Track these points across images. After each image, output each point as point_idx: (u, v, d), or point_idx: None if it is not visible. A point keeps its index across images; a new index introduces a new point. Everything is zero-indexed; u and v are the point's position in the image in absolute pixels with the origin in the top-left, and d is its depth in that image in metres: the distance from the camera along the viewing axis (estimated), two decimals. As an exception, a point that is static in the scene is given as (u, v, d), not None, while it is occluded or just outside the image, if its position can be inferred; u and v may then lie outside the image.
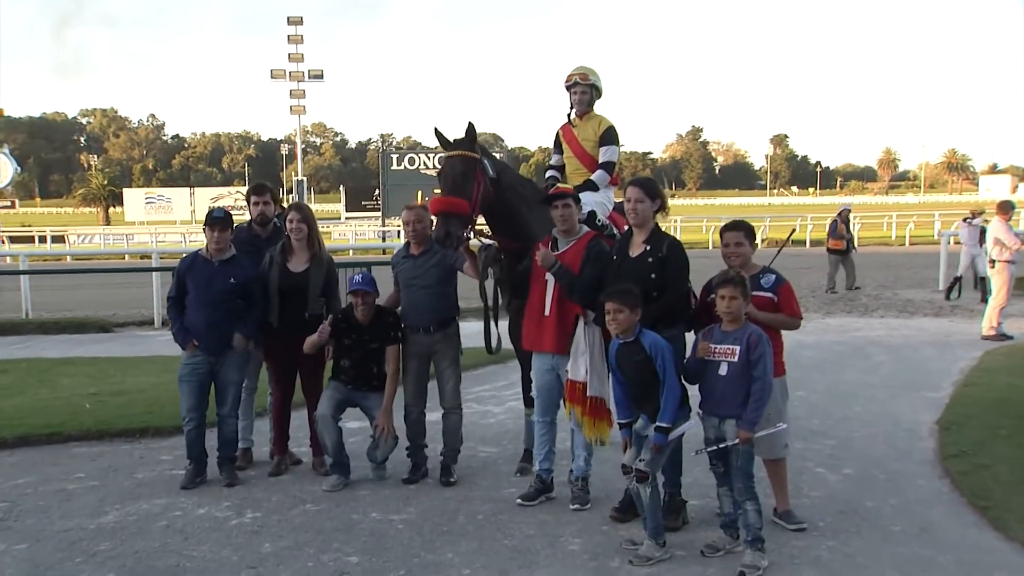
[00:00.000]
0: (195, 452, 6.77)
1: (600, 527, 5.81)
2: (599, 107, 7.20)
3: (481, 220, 6.59)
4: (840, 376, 10.60)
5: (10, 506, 6.36)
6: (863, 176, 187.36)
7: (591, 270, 5.93)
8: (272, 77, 40.46)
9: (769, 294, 5.70)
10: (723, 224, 6.10)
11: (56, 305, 18.34)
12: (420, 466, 6.87)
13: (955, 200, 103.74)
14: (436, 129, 6.58)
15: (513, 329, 6.81)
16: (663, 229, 5.91)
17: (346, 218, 46.34)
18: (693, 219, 52.57)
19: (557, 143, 7.35)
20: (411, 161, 34.69)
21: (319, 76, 40.13)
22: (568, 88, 7.10)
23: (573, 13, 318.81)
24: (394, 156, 33.56)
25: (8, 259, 30.72)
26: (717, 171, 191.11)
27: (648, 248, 5.70)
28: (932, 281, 20.12)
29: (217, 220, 6.75)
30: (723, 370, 5.27)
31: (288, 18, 39.66)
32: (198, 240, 35.85)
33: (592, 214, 6.73)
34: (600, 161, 6.99)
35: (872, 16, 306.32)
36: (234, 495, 6.54)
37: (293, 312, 6.83)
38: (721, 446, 5.26)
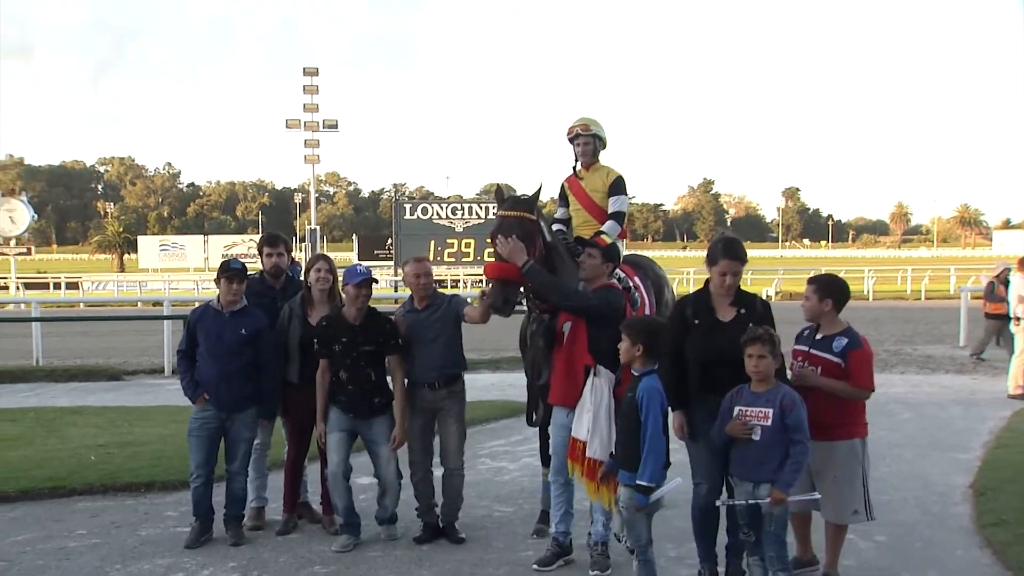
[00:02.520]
0: (202, 509, 6.48)
1: None
2: (604, 158, 7.04)
3: None
4: (864, 434, 10.19)
5: (7, 565, 6.11)
6: (875, 230, 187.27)
7: (590, 297, 5.86)
8: (287, 127, 40.55)
9: (837, 359, 5.42)
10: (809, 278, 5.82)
11: (67, 352, 18.18)
12: (431, 525, 6.57)
13: (968, 255, 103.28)
14: (499, 186, 6.53)
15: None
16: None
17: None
18: (704, 272, 52.15)
19: (563, 196, 7.16)
20: (424, 211, 34.65)
21: (334, 126, 40.24)
22: (571, 140, 6.95)
23: (583, 63, 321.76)
24: (407, 206, 33.38)
25: (22, 306, 30.70)
26: (729, 223, 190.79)
27: (743, 312, 5.34)
28: (952, 337, 19.74)
29: (235, 272, 6.52)
30: (757, 435, 5.00)
31: (304, 69, 39.93)
32: (211, 288, 35.58)
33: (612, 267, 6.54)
34: (610, 212, 6.81)
35: (885, 71, 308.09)
36: (240, 555, 6.25)
37: (313, 367, 6.50)
38: (750, 501, 4.99)
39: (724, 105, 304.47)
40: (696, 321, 5.38)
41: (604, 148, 7.00)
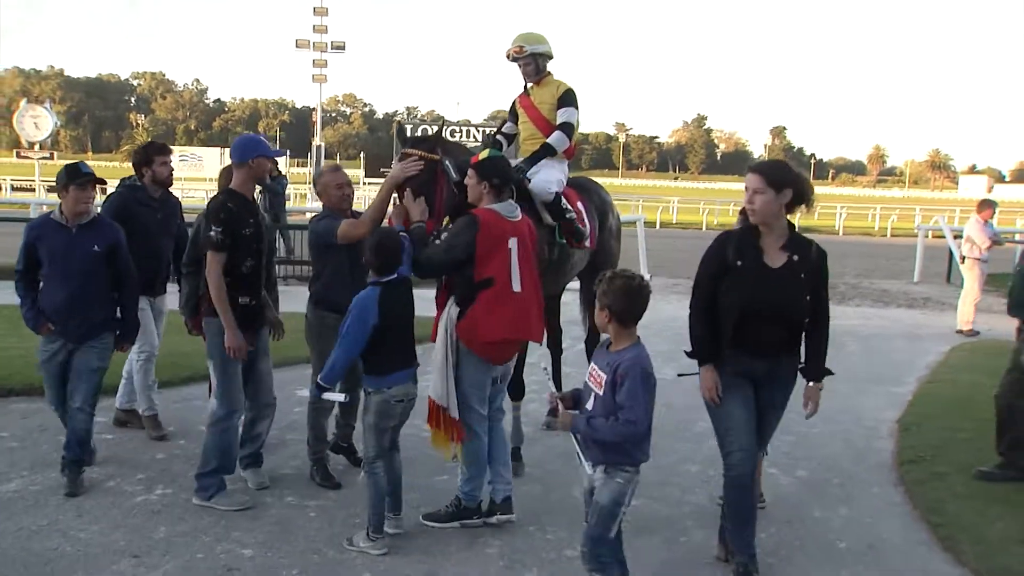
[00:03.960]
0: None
1: (526, 528, 4.98)
2: (562, 72, 6.30)
3: None
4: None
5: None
6: (853, 169, 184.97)
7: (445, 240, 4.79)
8: (297, 47, 39.41)
9: None
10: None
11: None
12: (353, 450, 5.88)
13: (936, 196, 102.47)
14: (398, 123, 5.79)
15: None
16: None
17: (365, 182, 45.65)
18: (692, 201, 51.50)
19: (512, 111, 6.43)
20: (424, 132, 33.75)
21: (341, 47, 38.95)
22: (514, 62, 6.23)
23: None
24: (408, 127, 32.50)
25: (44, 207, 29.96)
26: (719, 157, 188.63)
27: (795, 258, 4.22)
28: (908, 272, 19.20)
29: (88, 177, 5.18)
30: (589, 404, 3.98)
31: (315, -8, 38.78)
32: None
33: (558, 198, 5.89)
34: (558, 123, 6.08)
35: (870, 18, 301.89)
36: (154, 466, 5.71)
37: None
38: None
39: (719, 44, 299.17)
40: (739, 263, 4.23)
41: (551, 60, 6.25)
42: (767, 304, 4.19)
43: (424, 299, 5.16)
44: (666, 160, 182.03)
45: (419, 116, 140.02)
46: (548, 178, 5.94)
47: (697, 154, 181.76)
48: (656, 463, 6.10)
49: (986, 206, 12.65)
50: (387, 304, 4.54)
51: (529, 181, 5.80)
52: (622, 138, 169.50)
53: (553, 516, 5.12)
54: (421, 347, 4.89)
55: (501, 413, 5.16)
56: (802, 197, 4.23)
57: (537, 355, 6.64)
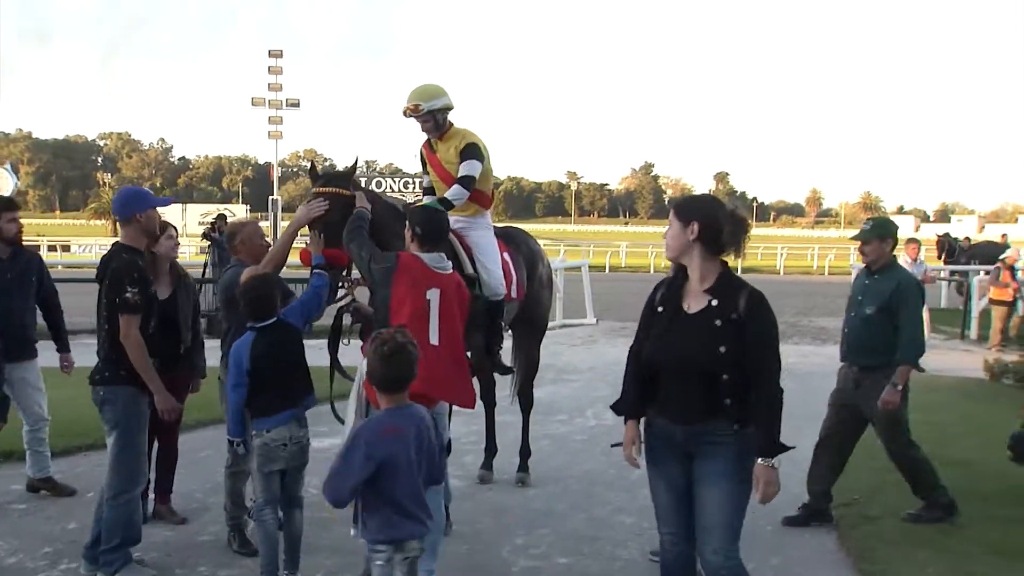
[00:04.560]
0: None
1: None
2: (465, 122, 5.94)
3: None
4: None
5: None
6: (793, 211, 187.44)
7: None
8: (252, 104, 39.28)
9: None
10: None
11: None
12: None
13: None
14: (312, 163, 5.46)
15: None
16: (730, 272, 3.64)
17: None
18: (641, 245, 51.72)
19: (423, 163, 6.10)
20: (378, 184, 33.73)
21: (296, 104, 38.87)
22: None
23: (546, 54, 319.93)
24: (362, 180, 32.42)
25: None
26: (666, 202, 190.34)
27: (713, 303, 3.47)
28: (841, 311, 19.10)
29: None
30: None
31: (269, 51, 38.64)
32: (181, 253, 34.33)
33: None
34: (458, 176, 5.68)
35: (805, 67, 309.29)
36: (64, 538, 5.22)
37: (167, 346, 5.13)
38: None
39: (665, 94, 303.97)
40: (659, 308, 3.65)
41: (450, 111, 5.82)
42: (669, 355, 3.52)
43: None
44: (616, 206, 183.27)
45: (378, 169, 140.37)
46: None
47: (645, 200, 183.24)
48: (589, 515, 5.86)
49: (911, 243, 12.63)
50: (260, 348, 4.35)
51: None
52: (574, 186, 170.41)
53: (475, 581, 4.75)
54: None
55: (440, 488, 4.47)
56: (714, 232, 3.46)
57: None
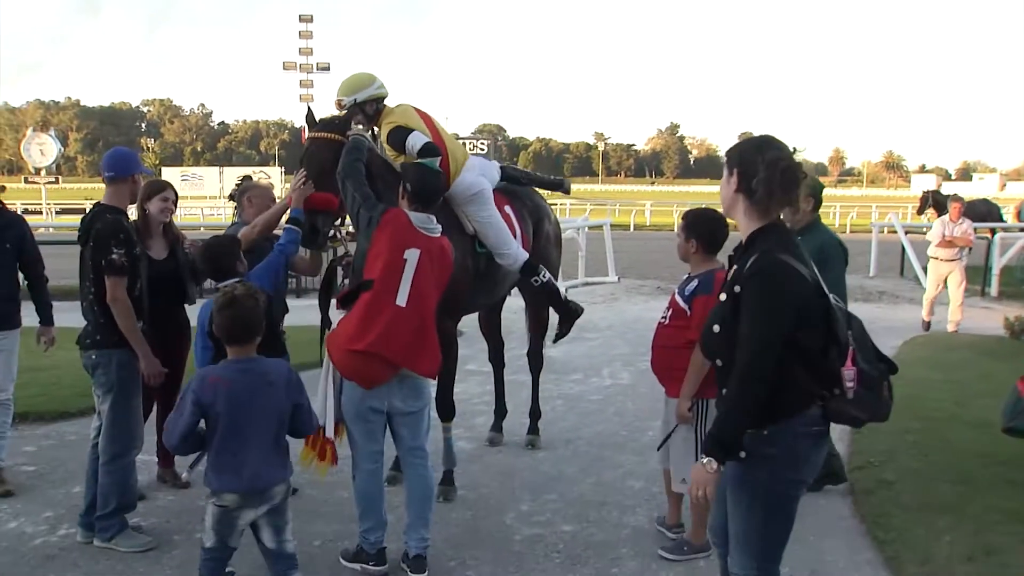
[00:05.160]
0: None
1: (446, 563, 4.34)
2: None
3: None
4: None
5: None
6: (816, 171, 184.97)
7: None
8: (284, 68, 38.88)
9: (683, 305, 4.19)
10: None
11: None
12: None
13: (891, 194, 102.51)
14: (308, 108, 5.02)
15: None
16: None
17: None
18: (666, 204, 50.97)
19: None
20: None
21: (326, 68, 38.45)
22: None
23: (575, 9, 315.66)
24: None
25: (42, 230, 29.20)
26: (692, 163, 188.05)
27: (730, 273, 2.91)
28: (865, 267, 18.63)
29: None
30: None
31: (300, 16, 38.29)
32: (215, 215, 34.44)
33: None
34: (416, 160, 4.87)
35: (828, 28, 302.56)
36: (67, 502, 5.02)
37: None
38: None
39: (690, 55, 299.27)
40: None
41: (383, 98, 5.12)
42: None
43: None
44: (643, 166, 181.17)
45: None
46: (465, 180, 5.14)
47: (671, 160, 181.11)
48: (598, 478, 5.55)
49: (955, 202, 11.89)
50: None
51: None
52: (601, 146, 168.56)
53: (479, 549, 4.46)
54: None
55: (420, 454, 4.18)
56: (749, 181, 2.76)
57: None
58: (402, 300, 3.94)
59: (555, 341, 6.07)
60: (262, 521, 3.45)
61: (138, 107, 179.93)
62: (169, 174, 63.88)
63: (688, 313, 4.15)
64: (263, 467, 3.35)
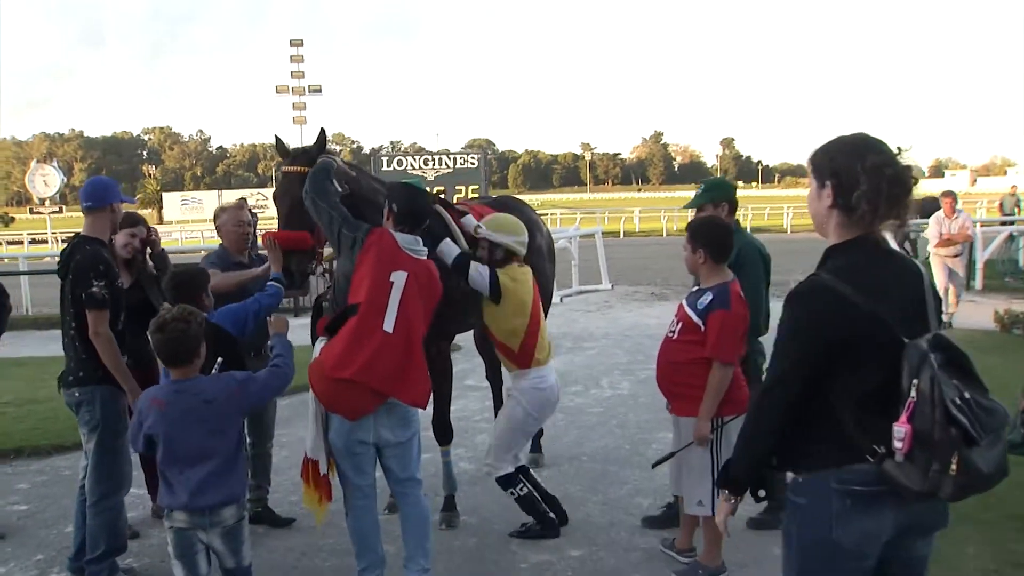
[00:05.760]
0: None
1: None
2: None
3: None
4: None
5: None
6: (796, 173, 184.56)
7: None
8: (276, 92, 38.66)
9: (697, 319, 3.88)
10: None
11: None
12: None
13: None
14: (276, 137, 4.62)
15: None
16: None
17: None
18: (654, 210, 50.77)
19: None
20: (399, 163, 33.06)
21: (318, 90, 38.23)
22: None
23: (558, 24, 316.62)
24: (384, 159, 31.75)
25: (48, 259, 28.82)
26: (676, 169, 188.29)
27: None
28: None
29: None
30: None
31: (290, 41, 38.16)
32: (215, 237, 33.85)
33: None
34: None
35: (806, 29, 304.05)
36: (60, 542, 4.72)
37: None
38: None
39: (672, 65, 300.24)
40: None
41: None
42: None
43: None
44: (629, 174, 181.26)
45: (402, 148, 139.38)
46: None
47: (656, 167, 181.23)
48: (604, 497, 5.24)
49: (947, 196, 11.61)
50: None
51: None
52: (588, 156, 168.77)
53: (484, 579, 4.17)
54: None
55: (411, 484, 3.87)
56: (848, 194, 2.23)
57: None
58: (389, 325, 3.63)
59: None
60: (217, 545, 3.27)
61: (139, 135, 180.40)
62: (170, 199, 63.72)
63: (702, 328, 3.86)
64: (209, 486, 3.20)
